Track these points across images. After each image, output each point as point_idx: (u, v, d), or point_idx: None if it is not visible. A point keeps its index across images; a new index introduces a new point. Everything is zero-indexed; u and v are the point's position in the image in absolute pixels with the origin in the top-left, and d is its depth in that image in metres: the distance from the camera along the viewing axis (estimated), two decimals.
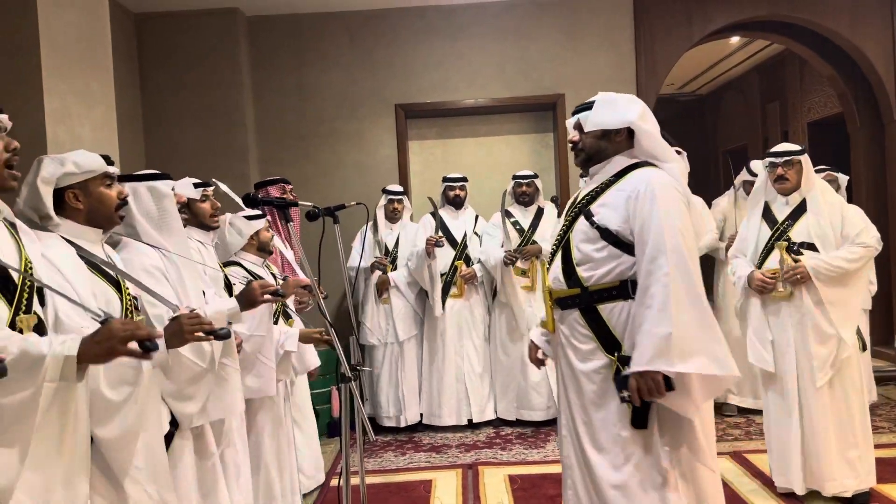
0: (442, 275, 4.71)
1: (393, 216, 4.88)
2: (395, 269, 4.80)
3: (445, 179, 5.00)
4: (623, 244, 2.14)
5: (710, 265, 5.08)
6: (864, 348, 3.38)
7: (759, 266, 3.32)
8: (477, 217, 4.99)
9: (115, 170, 2.02)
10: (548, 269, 2.35)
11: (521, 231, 4.74)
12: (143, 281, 2.11)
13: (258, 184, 4.12)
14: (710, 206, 4.94)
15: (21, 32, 2.66)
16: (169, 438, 2.15)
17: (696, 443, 2.14)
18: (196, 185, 2.83)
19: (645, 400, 2.04)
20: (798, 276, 3.16)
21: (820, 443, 3.17)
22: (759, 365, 3.35)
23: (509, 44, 5.45)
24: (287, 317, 3.29)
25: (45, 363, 1.46)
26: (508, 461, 4.06)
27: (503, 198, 4.79)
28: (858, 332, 3.26)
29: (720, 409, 4.75)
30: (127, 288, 2.02)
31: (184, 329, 1.90)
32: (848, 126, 5.97)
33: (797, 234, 3.26)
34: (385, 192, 4.90)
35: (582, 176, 2.93)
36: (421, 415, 4.81)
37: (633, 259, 2.12)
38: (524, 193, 4.78)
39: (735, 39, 7.08)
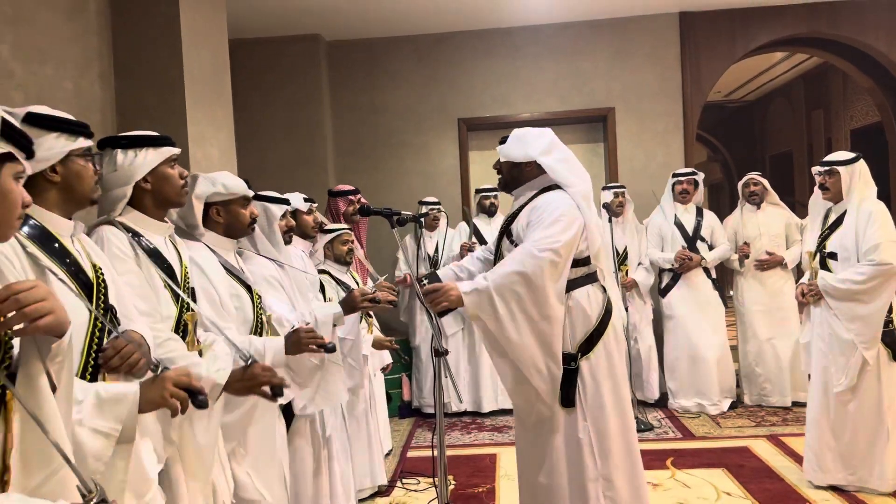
0: None
1: (432, 225, 5.36)
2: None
3: (479, 190, 5.48)
4: None
5: (728, 273, 5.48)
6: (894, 357, 3.32)
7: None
8: None
9: (251, 193, 2.50)
10: None
11: None
12: (263, 288, 2.60)
13: (332, 192, 4.64)
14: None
15: (169, 72, 3.26)
16: (288, 424, 2.64)
17: (610, 423, 2.59)
18: (304, 200, 3.36)
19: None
20: (813, 294, 3.41)
21: (825, 438, 3.44)
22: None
23: (563, 61, 5.93)
24: (369, 316, 3.79)
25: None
26: None
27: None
28: (891, 341, 3.30)
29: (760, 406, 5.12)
30: (257, 291, 2.52)
31: (301, 341, 2.33)
32: (887, 134, 6.27)
33: (831, 243, 3.43)
34: (422, 203, 5.36)
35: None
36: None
37: None
38: None
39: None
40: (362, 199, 4.55)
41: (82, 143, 1.64)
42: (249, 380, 1.93)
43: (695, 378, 5.03)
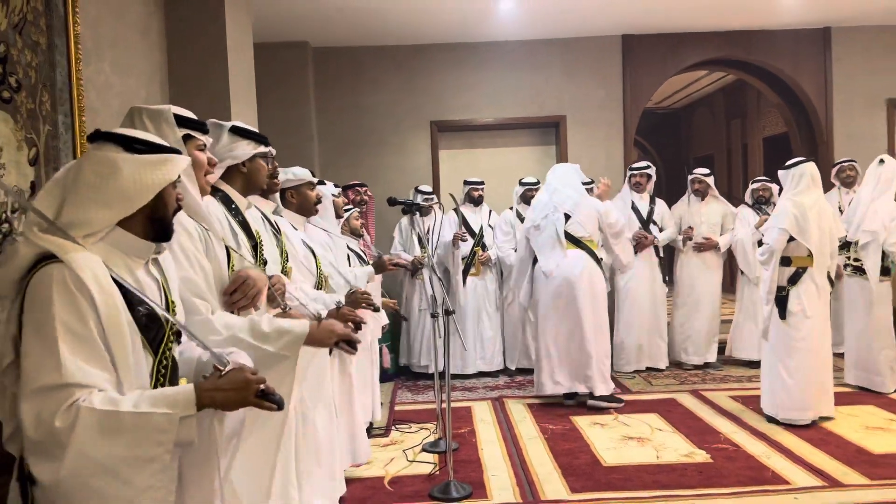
0: (463, 258, 6.04)
1: (426, 211, 6.12)
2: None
3: (467, 182, 6.29)
4: None
5: (672, 254, 6.48)
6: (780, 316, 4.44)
7: None
8: (490, 212, 6.31)
9: (315, 179, 3.27)
10: None
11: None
12: (319, 251, 3.38)
13: (345, 186, 5.41)
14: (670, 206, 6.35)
15: (216, 82, 3.93)
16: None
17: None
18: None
19: None
20: None
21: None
22: None
23: (522, 74, 6.78)
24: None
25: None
26: (525, 395, 5.41)
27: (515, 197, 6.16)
28: (780, 303, 4.41)
29: (680, 365, 6.16)
30: (319, 256, 3.28)
31: (358, 300, 3.12)
32: (792, 144, 7.38)
33: None
34: (418, 191, 6.16)
35: None
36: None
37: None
38: (531, 197, 6.07)
39: None
40: (368, 192, 5.34)
41: (263, 149, 2.34)
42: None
43: (641, 341, 6.01)
